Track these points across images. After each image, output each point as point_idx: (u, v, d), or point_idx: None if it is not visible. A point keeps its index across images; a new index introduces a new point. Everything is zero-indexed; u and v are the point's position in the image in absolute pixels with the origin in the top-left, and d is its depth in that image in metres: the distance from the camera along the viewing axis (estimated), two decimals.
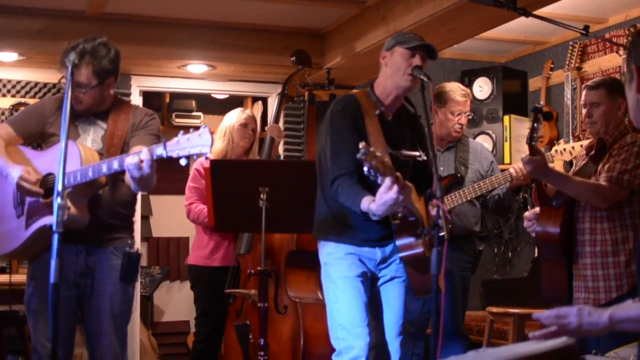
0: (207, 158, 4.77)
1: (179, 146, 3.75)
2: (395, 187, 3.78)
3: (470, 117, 5.88)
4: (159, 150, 3.83)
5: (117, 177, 4.44)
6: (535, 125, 4.36)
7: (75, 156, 4.14)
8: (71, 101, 4.39)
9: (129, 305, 4.64)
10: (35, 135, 4.58)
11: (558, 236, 4.52)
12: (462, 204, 5.57)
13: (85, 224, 4.20)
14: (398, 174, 3.79)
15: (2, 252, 4.55)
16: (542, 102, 4.47)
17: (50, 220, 4.15)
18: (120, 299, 4.52)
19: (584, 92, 4.70)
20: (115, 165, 4.03)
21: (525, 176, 5.43)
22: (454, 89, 5.77)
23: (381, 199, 3.86)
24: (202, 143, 3.68)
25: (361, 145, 3.60)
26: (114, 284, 4.48)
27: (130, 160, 3.90)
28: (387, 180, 3.76)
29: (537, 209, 4.66)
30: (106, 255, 4.48)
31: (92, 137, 4.47)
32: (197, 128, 3.75)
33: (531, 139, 4.35)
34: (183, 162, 3.74)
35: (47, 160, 4.38)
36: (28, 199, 4.36)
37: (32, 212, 4.35)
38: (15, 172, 4.28)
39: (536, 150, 4.37)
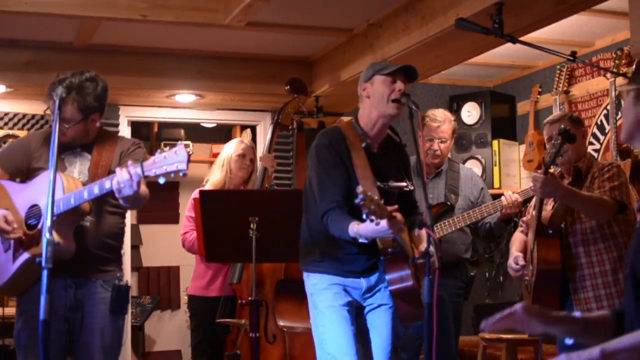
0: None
1: (155, 165, 3.73)
2: (387, 224, 3.82)
3: (443, 142, 5.76)
4: (137, 170, 3.81)
5: (103, 208, 4.43)
6: (562, 148, 4.48)
7: (58, 185, 4.09)
8: None
9: (119, 338, 4.60)
10: (22, 170, 4.53)
11: (560, 264, 4.61)
12: (452, 232, 5.56)
13: (72, 254, 4.16)
14: (395, 213, 3.82)
15: None
16: (563, 126, 4.53)
17: (36, 252, 4.17)
18: (111, 332, 4.48)
19: (546, 127, 4.81)
20: (96, 189, 4.02)
21: (516, 205, 5.44)
22: (430, 114, 5.75)
23: (369, 226, 3.88)
24: (178, 160, 3.65)
25: (359, 190, 3.64)
26: (103, 317, 4.44)
27: (108, 183, 3.91)
28: (383, 223, 3.80)
29: (518, 255, 4.75)
30: (95, 289, 4.44)
31: (78, 169, 4.44)
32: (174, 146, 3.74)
33: (553, 161, 4.47)
34: (161, 180, 3.71)
35: (30, 192, 4.34)
36: None
37: (18, 246, 4.31)
38: None
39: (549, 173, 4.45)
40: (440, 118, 5.73)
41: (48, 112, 4.42)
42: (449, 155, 5.90)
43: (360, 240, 4.06)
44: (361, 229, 3.97)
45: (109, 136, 4.65)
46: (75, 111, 4.31)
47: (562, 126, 4.51)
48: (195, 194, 6.26)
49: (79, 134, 4.40)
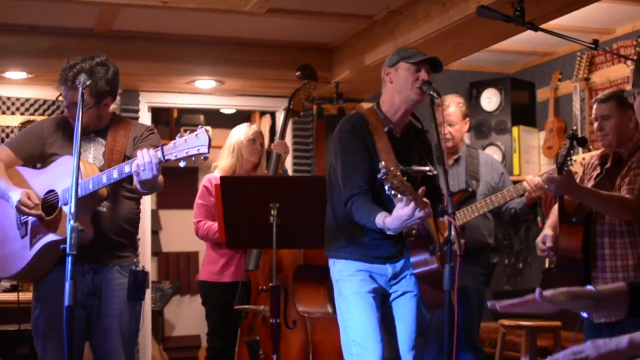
0: (215, 178, 4.74)
1: (176, 149, 3.77)
2: (412, 205, 3.82)
3: (452, 126, 5.69)
4: (157, 154, 3.85)
5: (119, 193, 4.44)
6: (572, 151, 4.39)
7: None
8: (69, 120, 4.42)
9: (137, 324, 4.62)
10: (35, 157, 4.54)
11: (580, 252, 4.50)
12: (474, 218, 5.55)
13: (90, 239, 4.14)
14: (417, 192, 3.82)
15: (8, 273, 4.52)
16: (575, 127, 4.47)
17: (54, 237, 4.18)
18: (128, 317, 4.50)
19: (594, 106, 4.68)
20: (115, 174, 4.04)
21: (539, 188, 5.40)
22: (443, 99, 5.68)
23: (396, 214, 3.90)
24: (199, 143, 3.69)
25: (381, 165, 3.65)
26: (121, 303, 4.46)
27: (128, 167, 3.94)
28: (404, 199, 3.80)
29: (547, 235, 4.66)
30: (112, 275, 4.45)
31: (93, 155, 4.44)
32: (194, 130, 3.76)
33: (563, 164, 4.35)
34: (182, 164, 3.76)
35: (47, 178, 4.36)
36: (31, 218, 4.34)
37: (36, 231, 4.33)
38: (15, 195, 4.26)
39: (564, 172, 4.35)
40: (446, 102, 5.70)
41: (60, 98, 4.43)
42: (467, 142, 5.87)
43: (387, 232, 4.08)
44: (388, 222, 3.98)
45: (123, 122, 4.65)
46: (88, 95, 4.28)
47: (571, 130, 4.46)
48: (205, 181, 6.29)
49: (92, 119, 4.40)
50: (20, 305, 5.57)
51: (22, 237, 4.39)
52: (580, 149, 6.73)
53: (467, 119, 5.84)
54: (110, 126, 4.53)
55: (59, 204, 4.24)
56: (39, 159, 4.55)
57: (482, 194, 5.66)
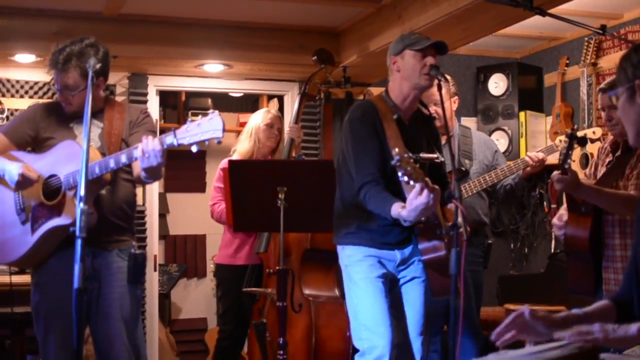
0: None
1: (189, 133, 3.75)
2: (426, 192, 3.83)
3: (437, 105, 5.28)
4: (169, 139, 3.83)
5: (118, 175, 4.44)
6: (570, 151, 4.35)
7: (79, 155, 4.06)
8: (62, 103, 4.42)
9: (138, 308, 4.63)
10: (28, 141, 4.53)
11: (587, 242, 4.47)
12: (470, 196, 5.56)
13: (94, 223, 4.10)
14: (427, 178, 3.83)
15: (9, 259, 4.50)
16: (576, 127, 4.44)
17: (57, 222, 4.19)
18: (129, 301, 4.49)
19: (599, 96, 4.65)
20: (124, 158, 4.03)
21: (542, 163, 5.44)
22: None
23: (412, 205, 3.91)
24: (213, 128, 3.67)
25: (394, 152, 3.66)
26: (121, 286, 4.45)
27: (140, 151, 3.91)
28: (418, 186, 3.81)
29: (563, 213, 4.62)
30: (112, 258, 4.45)
31: (89, 137, 4.43)
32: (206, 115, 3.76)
33: (564, 162, 4.32)
34: (194, 148, 3.73)
35: (48, 162, 4.35)
36: (33, 204, 4.33)
37: (38, 216, 4.32)
38: (15, 169, 4.26)
39: (568, 172, 4.31)
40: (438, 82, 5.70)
41: (53, 81, 4.43)
42: (471, 126, 5.84)
43: (404, 224, 4.10)
44: (405, 214, 3.99)
45: (117, 105, 4.66)
46: (79, 77, 4.31)
47: (571, 130, 4.42)
48: (224, 164, 6.32)
49: (85, 101, 4.34)
50: (13, 288, 5.58)
51: (23, 223, 4.38)
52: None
53: (455, 97, 5.80)
54: (105, 109, 4.53)
55: (62, 188, 4.23)
56: (32, 143, 4.54)
57: (477, 173, 5.68)
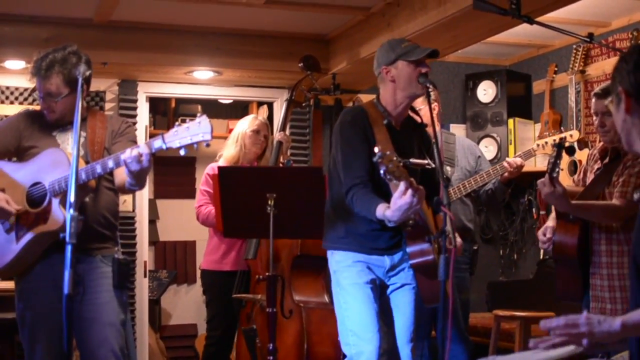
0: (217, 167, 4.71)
1: (177, 136, 3.74)
2: (410, 192, 3.82)
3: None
4: (158, 143, 3.83)
5: (100, 184, 4.42)
6: (558, 161, 4.35)
7: (64, 162, 4.14)
8: (44, 111, 4.43)
9: (124, 314, 4.56)
10: (11, 150, 4.50)
11: (575, 249, 4.47)
12: (452, 202, 5.58)
13: (79, 230, 4.14)
14: (411, 178, 3.84)
15: None
16: (563, 136, 4.45)
17: (43, 229, 4.18)
18: (116, 307, 4.44)
19: (592, 101, 4.61)
20: (111, 163, 4.02)
21: (520, 168, 5.50)
22: None
23: (396, 205, 3.90)
24: (202, 130, 3.68)
25: (377, 149, 3.65)
26: (105, 291, 4.41)
27: (128, 154, 3.89)
28: (402, 185, 3.80)
29: (549, 227, 4.63)
30: (96, 264, 4.41)
31: (72, 145, 4.33)
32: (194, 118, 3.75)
33: (552, 172, 4.32)
34: (182, 152, 3.73)
35: (32, 170, 4.32)
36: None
37: (22, 224, 4.29)
38: None
39: (556, 182, 4.28)
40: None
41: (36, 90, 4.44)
42: (459, 134, 5.86)
43: (388, 224, 4.10)
44: (389, 214, 3.98)
45: (98, 114, 4.64)
46: (62, 84, 4.30)
47: (559, 139, 4.44)
48: (209, 169, 6.35)
49: (67, 108, 4.36)
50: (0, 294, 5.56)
51: (7, 231, 4.34)
52: (575, 144, 6.80)
53: (436, 104, 5.81)
54: (87, 118, 4.51)
55: (48, 195, 4.21)
56: (14, 153, 4.52)
57: (458, 180, 5.71)
